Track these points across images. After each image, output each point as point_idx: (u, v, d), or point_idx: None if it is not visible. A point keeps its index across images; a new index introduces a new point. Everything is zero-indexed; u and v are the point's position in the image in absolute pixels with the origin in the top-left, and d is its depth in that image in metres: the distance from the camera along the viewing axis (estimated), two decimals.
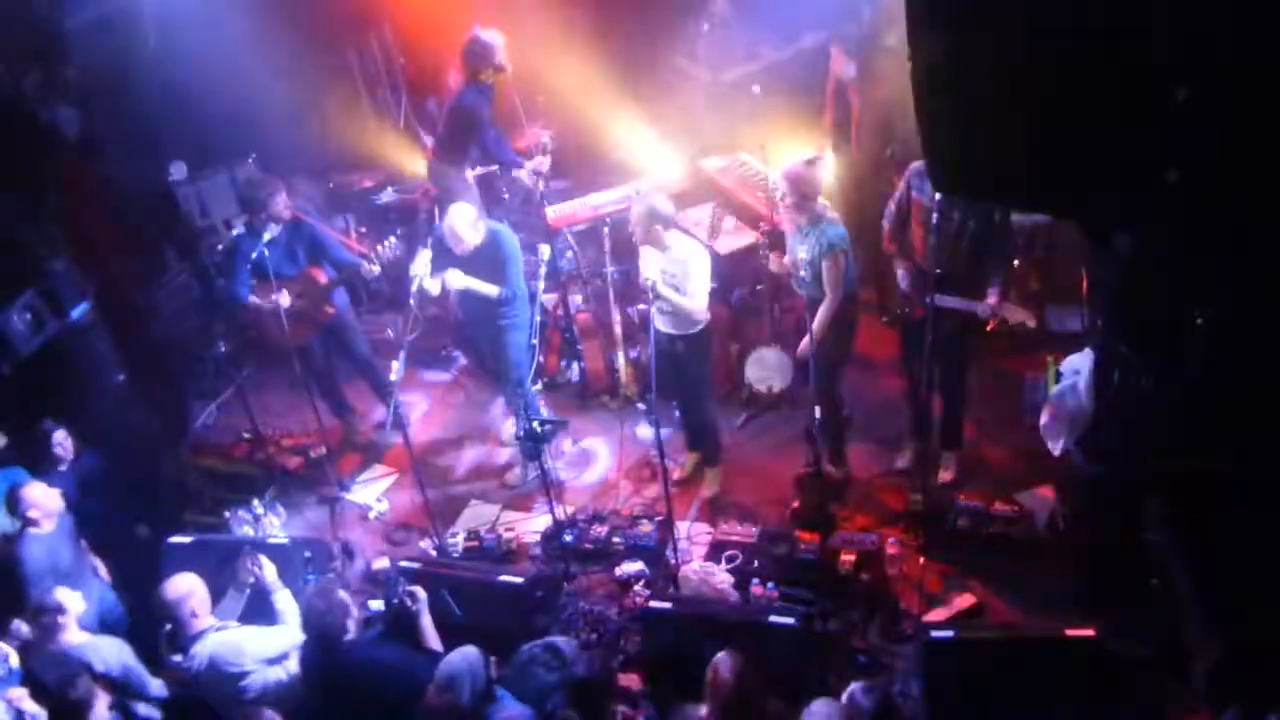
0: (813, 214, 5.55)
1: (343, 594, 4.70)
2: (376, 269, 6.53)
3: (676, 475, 6.38)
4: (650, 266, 5.57)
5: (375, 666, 4.53)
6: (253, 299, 6.50)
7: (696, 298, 5.67)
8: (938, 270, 5.33)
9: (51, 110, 5.99)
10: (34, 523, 5.20)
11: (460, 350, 7.82)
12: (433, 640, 4.75)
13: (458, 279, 6.02)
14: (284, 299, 6.22)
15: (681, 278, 5.64)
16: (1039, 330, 6.77)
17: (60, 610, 4.69)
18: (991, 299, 5.33)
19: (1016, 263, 6.71)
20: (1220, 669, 3.90)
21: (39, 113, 5.88)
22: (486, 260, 6.04)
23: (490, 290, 6.06)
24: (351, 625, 4.60)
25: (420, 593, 4.79)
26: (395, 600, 4.76)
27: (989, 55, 1.93)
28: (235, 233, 7.99)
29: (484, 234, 6.02)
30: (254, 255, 6.22)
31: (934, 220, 5.32)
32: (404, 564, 5.58)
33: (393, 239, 6.57)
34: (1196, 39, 1.73)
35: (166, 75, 7.01)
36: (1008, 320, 5.36)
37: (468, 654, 4.18)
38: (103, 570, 5.66)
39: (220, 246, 8.30)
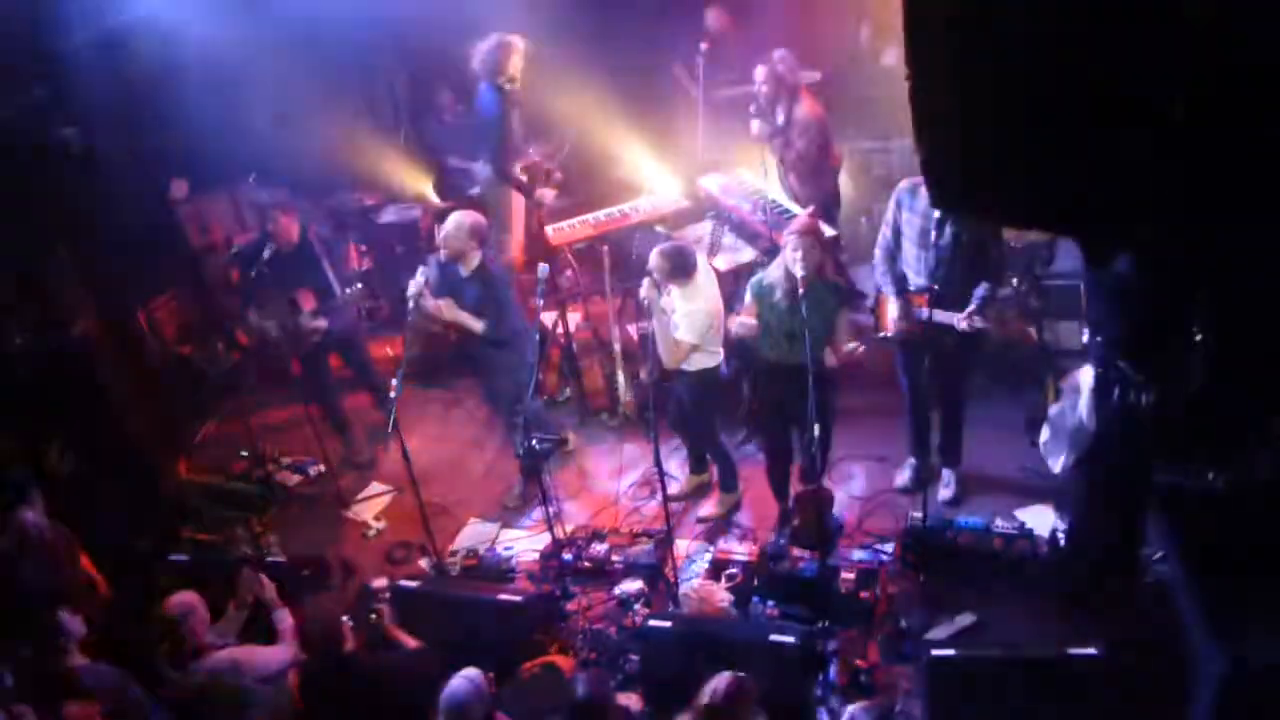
0: (822, 270, 5.34)
1: (336, 608, 4.72)
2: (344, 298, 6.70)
3: (675, 491, 6.38)
4: (651, 286, 5.58)
5: (377, 673, 4.61)
6: (251, 314, 6.58)
7: (677, 343, 5.66)
8: (934, 286, 5.35)
9: (52, 130, 6.01)
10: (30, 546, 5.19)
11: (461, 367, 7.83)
12: (407, 642, 4.93)
13: (450, 311, 6.04)
14: (272, 328, 6.31)
15: (679, 318, 5.66)
16: (1039, 347, 6.78)
17: (62, 634, 4.66)
18: (971, 308, 5.32)
19: (1016, 280, 6.74)
20: (1224, 688, 3.88)
21: (40, 132, 5.90)
22: (476, 295, 6.05)
23: (475, 326, 6.06)
24: (350, 636, 4.61)
25: (381, 609, 4.98)
26: (365, 617, 4.94)
27: (989, 73, 1.94)
28: (235, 249, 8.04)
29: (476, 263, 6.02)
30: (252, 271, 6.31)
31: (932, 237, 5.35)
32: (403, 583, 5.58)
33: (359, 285, 6.72)
34: (1197, 58, 1.74)
35: (167, 94, 7.04)
36: (1008, 330, 5.32)
37: (473, 678, 4.18)
38: (100, 586, 5.63)
39: (221, 262, 8.35)
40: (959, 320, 5.32)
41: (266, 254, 6.30)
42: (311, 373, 6.88)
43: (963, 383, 5.92)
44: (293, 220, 6.64)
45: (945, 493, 6.14)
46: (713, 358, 5.82)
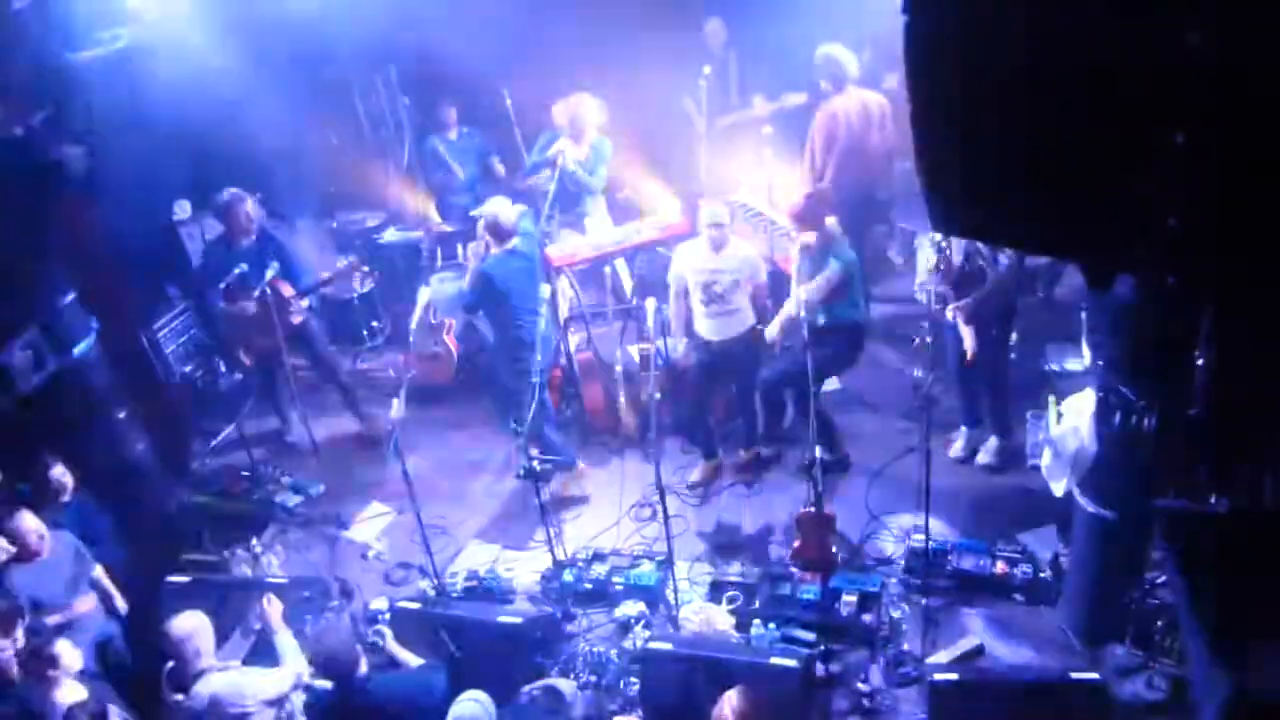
0: (825, 238, 5.85)
1: (349, 632, 4.71)
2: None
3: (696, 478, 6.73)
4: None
5: (390, 692, 4.66)
6: (222, 304, 6.87)
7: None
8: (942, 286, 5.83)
9: (58, 148, 6.02)
10: (28, 553, 5.16)
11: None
12: (411, 660, 5.01)
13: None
14: (250, 306, 6.63)
15: (751, 276, 6.15)
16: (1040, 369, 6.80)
17: (55, 664, 4.61)
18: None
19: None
20: (1227, 714, 3.85)
21: (45, 151, 5.91)
22: None
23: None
24: (363, 661, 4.60)
25: (384, 630, 5.07)
26: (367, 642, 4.99)
27: (991, 97, 1.95)
28: (208, 240, 8.08)
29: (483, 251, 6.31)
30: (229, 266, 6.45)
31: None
32: (402, 604, 5.56)
33: (367, 267, 6.96)
34: (1197, 83, 1.75)
35: (173, 114, 7.07)
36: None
37: (481, 700, 4.20)
38: (119, 601, 5.58)
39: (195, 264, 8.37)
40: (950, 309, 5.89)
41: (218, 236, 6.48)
42: (306, 342, 7.18)
43: (999, 351, 6.16)
44: (248, 213, 6.89)
45: (986, 458, 6.40)
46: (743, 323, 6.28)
